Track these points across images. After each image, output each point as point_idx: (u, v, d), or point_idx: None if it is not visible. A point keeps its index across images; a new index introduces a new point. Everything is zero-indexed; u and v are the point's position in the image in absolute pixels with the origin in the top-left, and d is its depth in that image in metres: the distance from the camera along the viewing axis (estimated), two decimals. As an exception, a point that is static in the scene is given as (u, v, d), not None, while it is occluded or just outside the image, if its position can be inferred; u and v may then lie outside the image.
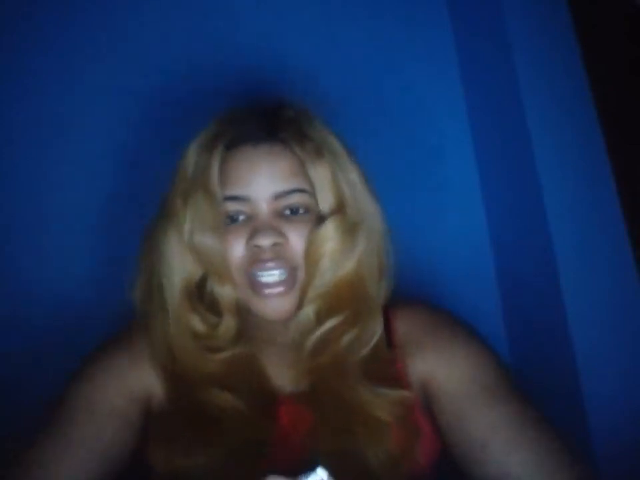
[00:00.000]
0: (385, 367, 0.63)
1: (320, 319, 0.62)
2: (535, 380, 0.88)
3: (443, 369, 0.62)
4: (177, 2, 0.95)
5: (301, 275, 0.61)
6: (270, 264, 0.60)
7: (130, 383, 0.62)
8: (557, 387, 0.81)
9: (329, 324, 0.61)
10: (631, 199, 0.77)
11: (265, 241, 0.59)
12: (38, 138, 0.92)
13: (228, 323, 0.62)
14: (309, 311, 0.61)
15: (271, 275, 0.60)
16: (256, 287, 0.61)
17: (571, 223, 0.79)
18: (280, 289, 0.61)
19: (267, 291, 0.60)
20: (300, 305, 0.62)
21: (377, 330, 0.63)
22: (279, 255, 0.60)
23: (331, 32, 0.98)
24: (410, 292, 0.77)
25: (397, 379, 0.62)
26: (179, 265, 0.61)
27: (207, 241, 0.60)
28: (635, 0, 0.77)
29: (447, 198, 0.98)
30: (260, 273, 0.60)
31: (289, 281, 0.61)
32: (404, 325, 0.66)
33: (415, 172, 0.98)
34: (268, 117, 0.64)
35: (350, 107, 0.96)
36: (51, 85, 0.93)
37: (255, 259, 0.60)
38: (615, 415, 0.73)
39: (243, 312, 0.64)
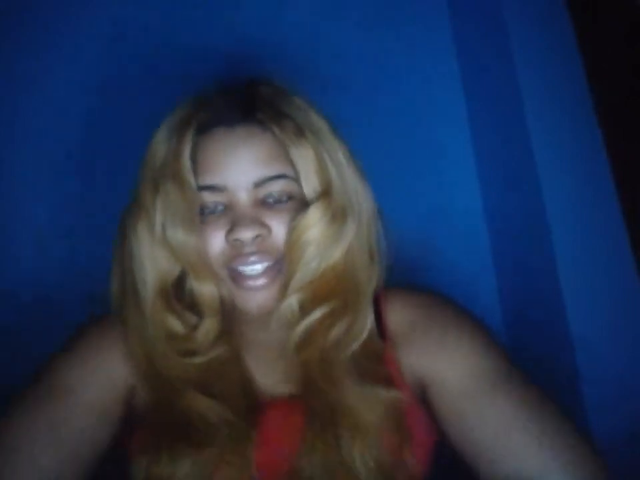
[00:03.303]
0: (376, 362, 0.58)
1: (305, 310, 0.57)
2: (535, 382, 0.88)
3: (444, 364, 0.57)
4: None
5: (286, 265, 0.56)
6: (252, 258, 0.55)
7: (115, 370, 0.59)
8: (557, 387, 0.81)
9: (315, 315, 0.56)
10: (631, 199, 0.77)
11: (246, 234, 0.54)
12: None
13: (209, 324, 0.58)
14: (292, 302, 0.56)
15: (254, 269, 0.56)
16: (238, 279, 0.56)
17: (571, 224, 0.79)
18: (263, 280, 0.56)
19: (250, 282, 0.56)
20: (283, 297, 0.57)
21: (367, 322, 0.58)
22: (262, 248, 0.56)
23: (330, 33, 0.98)
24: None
25: (389, 375, 0.58)
26: (151, 263, 0.56)
27: (180, 235, 0.55)
28: (636, 0, 0.77)
29: (447, 199, 0.98)
30: (242, 268, 0.56)
31: (273, 272, 0.56)
32: (396, 314, 0.62)
33: (414, 173, 0.98)
34: (242, 96, 0.58)
35: (350, 108, 0.96)
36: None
37: (236, 254, 0.56)
38: (615, 413, 0.73)
39: (226, 309, 0.60)
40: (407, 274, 0.88)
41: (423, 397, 0.59)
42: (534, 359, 0.89)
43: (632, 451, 0.71)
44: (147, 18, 0.96)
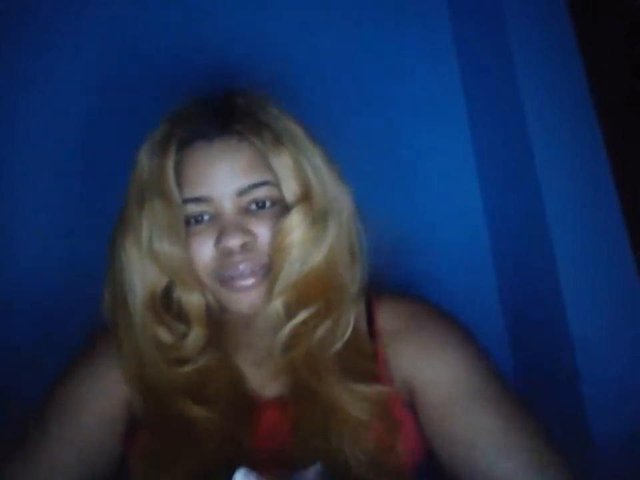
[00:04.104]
0: (364, 359, 0.60)
1: (290, 312, 0.59)
2: (535, 382, 0.88)
3: (430, 370, 0.59)
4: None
5: (272, 268, 0.59)
6: (242, 266, 0.58)
7: (112, 387, 0.61)
8: (557, 387, 0.81)
9: (300, 317, 0.58)
10: (631, 199, 0.77)
11: (233, 242, 0.57)
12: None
13: (197, 332, 0.60)
14: (277, 304, 0.58)
15: (243, 273, 0.58)
16: (228, 282, 0.58)
17: (571, 224, 0.79)
18: (252, 280, 0.58)
19: (240, 283, 0.58)
20: (268, 299, 0.59)
21: (351, 320, 0.60)
22: (250, 255, 0.58)
23: (330, 33, 0.98)
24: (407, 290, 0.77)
25: (376, 373, 0.60)
26: (140, 275, 0.58)
27: (166, 248, 0.57)
28: (636, 0, 0.77)
29: (447, 199, 0.98)
30: (231, 274, 0.58)
31: (260, 274, 0.59)
32: (387, 316, 0.64)
33: (414, 173, 0.98)
34: (220, 109, 0.60)
35: (349, 108, 0.96)
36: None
37: (226, 263, 0.58)
38: (615, 413, 0.73)
39: (216, 315, 0.62)
40: (406, 274, 0.88)
41: (410, 399, 0.60)
42: (534, 359, 0.89)
43: (632, 451, 0.71)
44: (147, 18, 0.96)
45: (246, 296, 0.59)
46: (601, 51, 0.81)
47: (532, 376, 0.89)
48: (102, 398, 0.61)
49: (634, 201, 0.77)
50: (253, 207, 0.59)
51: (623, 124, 0.80)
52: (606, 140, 0.79)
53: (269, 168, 0.59)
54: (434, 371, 0.59)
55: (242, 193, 0.58)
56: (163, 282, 0.59)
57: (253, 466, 0.46)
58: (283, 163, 0.58)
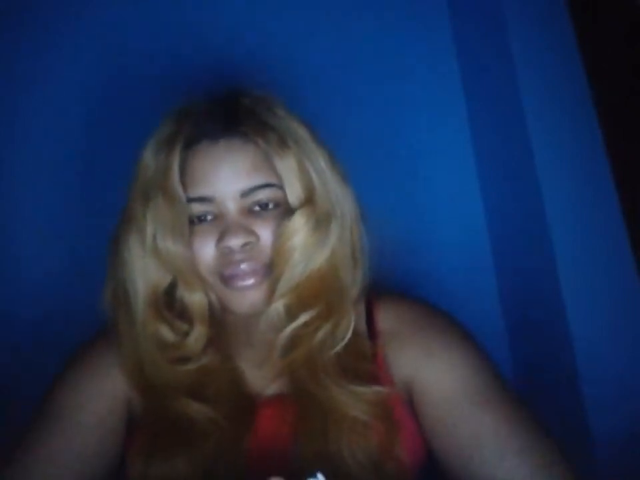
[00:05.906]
0: (362, 360, 0.60)
1: (291, 314, 0.59)
2: (535, 382, 0.88)
3: (430, 370, 0.59)
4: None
5: (273, 270, 0.59)
6: (242, 265, 0.58)
7: (111, 386, 0.61)
8: (557, 387, 0.81)
9: (301, 319, 0.58)
10: (631, 199, 0.77)
11: (235, 242, 0.57)
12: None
13: (199, 331, 0.60)
14: (278, 306, 0.58)
15: (244, 272, 0.58)
16: (228, 282, 0.58)
17: (571, 224, 0.79)
18: (253, 280, 0.58)
19: (241, 283, 0.58)
20: (270, 300, 0.59)
21: (351, 323, 0.60)
22: (251, 255, 0.58)
23: (330, 34, 0.98)
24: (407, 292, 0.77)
25: (376, 374, 0.59)
26: (142, 273, 0.59)
27: (170, 246, 0.57)
28: (636, 0, 0.77)
29: (447, 199, 0.98)
30: (232, 273, 0.58)
31: (261, 273, 0.59)
32: (387, 317, 0.64)
33: (414, 173, 0.98)
34: (225, 109, 0.60)
35: (349, 109, 0.96)
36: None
37: (227, 261, 0.58)
38: (615, 413, 0.73)
39: (218, 315, 0.62)
40: (406, 274, 0.88)
41: (410, 400, 0.60)
42: (534, 359, 0.89)
43: (632, 451, 0.71)
44: (147, 18, 0.96)
45: (246, 295, 0.59)
46: (601, 51, 0.81)
47: (532, 376, 0.89)
48: (101, 397, 0.61)
49: (634, 201, 0.77)
50: (256, 208, 0.59)
51: (623, 124, 0.80)
52: (606, 140, 0.79)
53: (273, 170, 0.59)
54: (434, 372, 0.59)
55: (245, 194, 0.58)
56: (165, 280, 0.59)
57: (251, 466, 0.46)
58: (287, 166, 0.58)
